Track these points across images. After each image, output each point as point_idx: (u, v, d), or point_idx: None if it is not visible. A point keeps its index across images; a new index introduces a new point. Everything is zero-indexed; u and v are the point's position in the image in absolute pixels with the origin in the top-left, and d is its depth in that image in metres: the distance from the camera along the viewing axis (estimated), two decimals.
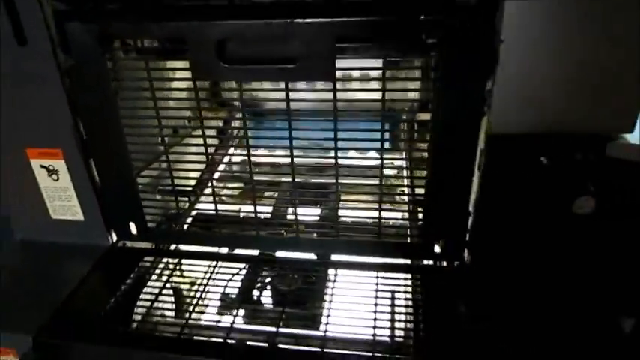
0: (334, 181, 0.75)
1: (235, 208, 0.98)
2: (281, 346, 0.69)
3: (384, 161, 0.74)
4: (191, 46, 0.69)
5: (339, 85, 0.68)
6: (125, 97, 0.77)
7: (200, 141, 0.78)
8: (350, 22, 0.63)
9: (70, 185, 0.84)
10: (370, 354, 0.65)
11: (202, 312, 0.90)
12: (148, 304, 0.79)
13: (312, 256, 0.87)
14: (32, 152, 0.81)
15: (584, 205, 0.59)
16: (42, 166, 0.82)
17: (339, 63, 0.65)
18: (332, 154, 0.72)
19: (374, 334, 0.69)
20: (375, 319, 0.71)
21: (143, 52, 0.79)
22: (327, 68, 0.65)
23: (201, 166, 0.93)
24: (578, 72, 0.62)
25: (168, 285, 0.86)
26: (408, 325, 0.75)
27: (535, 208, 0.67)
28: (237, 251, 0.91)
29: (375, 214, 0.78)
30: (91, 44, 0.71)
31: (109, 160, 0.82)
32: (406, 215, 0.92)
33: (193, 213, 0.95)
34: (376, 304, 0.73)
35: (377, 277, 0.80)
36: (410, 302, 0.77)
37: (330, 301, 0.75)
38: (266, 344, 0.69)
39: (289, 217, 0.91)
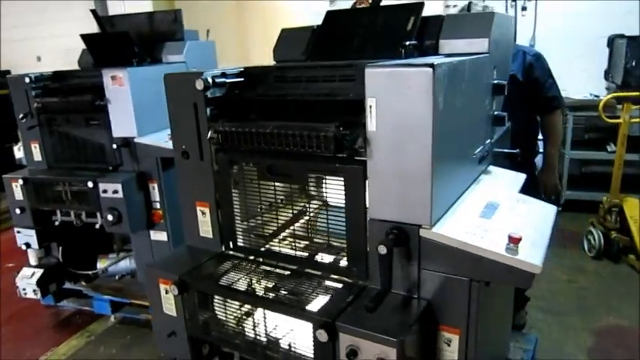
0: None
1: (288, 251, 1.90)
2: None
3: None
4: (258, 167, 1.70)
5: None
6: (238, 186, 1.80)
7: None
8: (312, 165, 1.58)
9: (209, 220, 1.88)
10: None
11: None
12: (231, 277, 1.75)
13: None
14: (198, 203, 1.88)
15: (382, 249, 1.39)
16: (200, 210, 1.88)
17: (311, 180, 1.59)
18: None
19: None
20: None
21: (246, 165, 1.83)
22: (304, 179, 1.60)
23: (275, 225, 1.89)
24: (400, 193, 1.45)
25: (242, 272, 1.81)
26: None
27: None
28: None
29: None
30: (226, 162, 1.78)
31: (227, 212, 1.84)
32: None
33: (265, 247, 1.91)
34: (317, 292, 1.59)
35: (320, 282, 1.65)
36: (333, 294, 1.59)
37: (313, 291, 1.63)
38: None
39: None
